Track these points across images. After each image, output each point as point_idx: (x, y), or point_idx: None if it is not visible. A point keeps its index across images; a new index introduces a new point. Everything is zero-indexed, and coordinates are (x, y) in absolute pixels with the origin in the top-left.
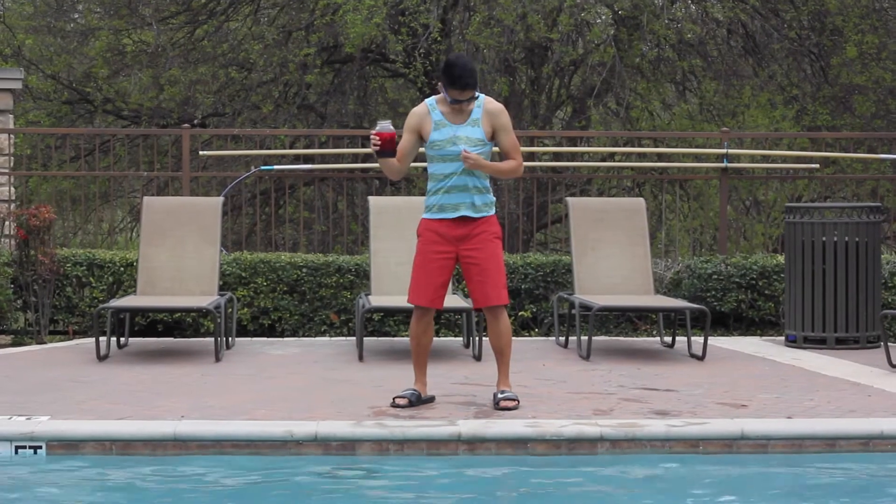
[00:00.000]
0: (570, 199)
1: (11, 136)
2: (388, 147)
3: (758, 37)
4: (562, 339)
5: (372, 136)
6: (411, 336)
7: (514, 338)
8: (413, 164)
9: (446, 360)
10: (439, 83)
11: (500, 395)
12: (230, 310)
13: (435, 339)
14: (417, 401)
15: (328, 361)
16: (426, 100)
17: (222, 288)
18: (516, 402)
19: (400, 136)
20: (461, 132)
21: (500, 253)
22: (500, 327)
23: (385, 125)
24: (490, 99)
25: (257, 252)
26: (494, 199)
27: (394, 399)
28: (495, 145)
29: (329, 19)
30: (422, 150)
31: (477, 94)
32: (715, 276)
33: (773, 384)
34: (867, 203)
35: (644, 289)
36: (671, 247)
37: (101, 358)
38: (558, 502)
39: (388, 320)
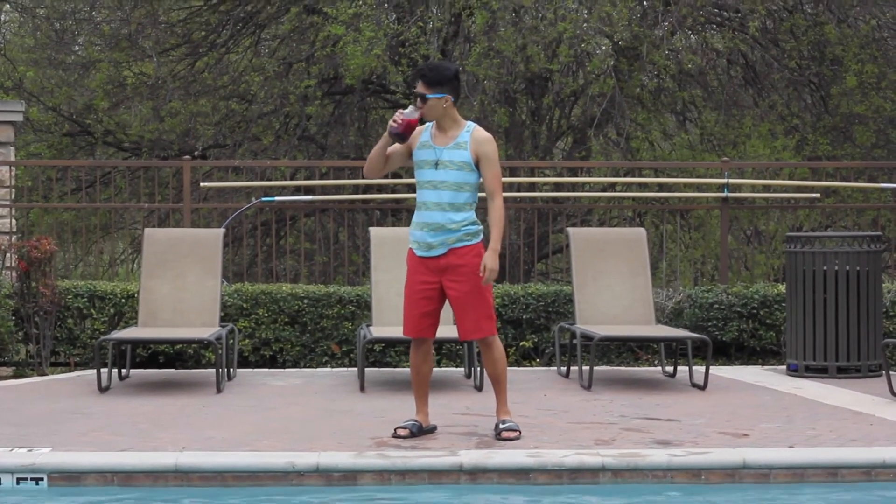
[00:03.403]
0: (570, 230)
1: (13, 168)
2: (405, 130)
3: (758, 67)
4: (563, 368)
5: (396, 115)
6: (411, 366)
7: (515, 368)
8: (414, 195)
9: (448, 390)
10: None
11: (501, 426)
12: (231, 341)
13: (436, 369)
14: (419, 431)
15: (329, 392)
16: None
17: (223, 319)
18: (518, 433)
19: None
20: (444, 156)
21: (486, 288)
22: (493, 355)
23: (412, 112)
24: (480, 128)
25: (258, 283)
26: (479, 227)
27: (395, 430)
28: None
29: (329, 51)
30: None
31: (469, 122)
32: (716, 306)
33: (774, 413)
34: (868, 232)
35: (645, 318)
36: (672, 276)
37: (103, 389)
38: None
39: (390, 351)
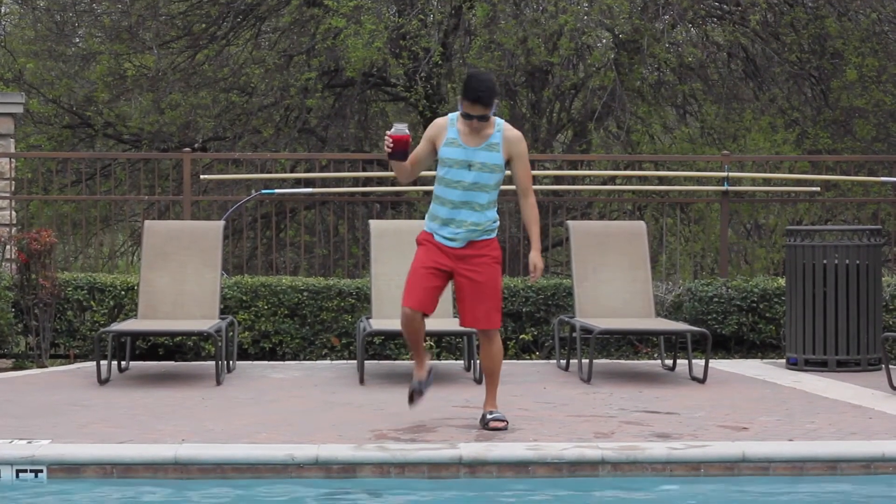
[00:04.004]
0: (570, 223)
1: (13, 160)
2: (399, 149)
3: (758, 60)
4: (563, 362)
5: (385, 138)
6: (404, 325)
7: (515, 361)
8: (415, 188)
9: (447, 383)
10: (459, 98)
11: (489, 416)
12: (231, 333)
13: (436, 362)
14: (426, 386)
15: (329, 385)
16: (451, 113)
17: (223, 311)
18: (505, 423)
19: (416, 141)
20: (477, 157)
21: (499, 277)
22: (493, 350)
23: (400, 128)
24: (509, 126)
25: (258, 276)
26: (498, 223)
27: (411, 395)
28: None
29: (330, 43)
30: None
31: (497, 118)
32: (716, 299)
33: (774, 407)
34: (868, 226)
35: (645, 312)
36: (672, 270)
37: (102, 382)
38: None
39: (389, 343)
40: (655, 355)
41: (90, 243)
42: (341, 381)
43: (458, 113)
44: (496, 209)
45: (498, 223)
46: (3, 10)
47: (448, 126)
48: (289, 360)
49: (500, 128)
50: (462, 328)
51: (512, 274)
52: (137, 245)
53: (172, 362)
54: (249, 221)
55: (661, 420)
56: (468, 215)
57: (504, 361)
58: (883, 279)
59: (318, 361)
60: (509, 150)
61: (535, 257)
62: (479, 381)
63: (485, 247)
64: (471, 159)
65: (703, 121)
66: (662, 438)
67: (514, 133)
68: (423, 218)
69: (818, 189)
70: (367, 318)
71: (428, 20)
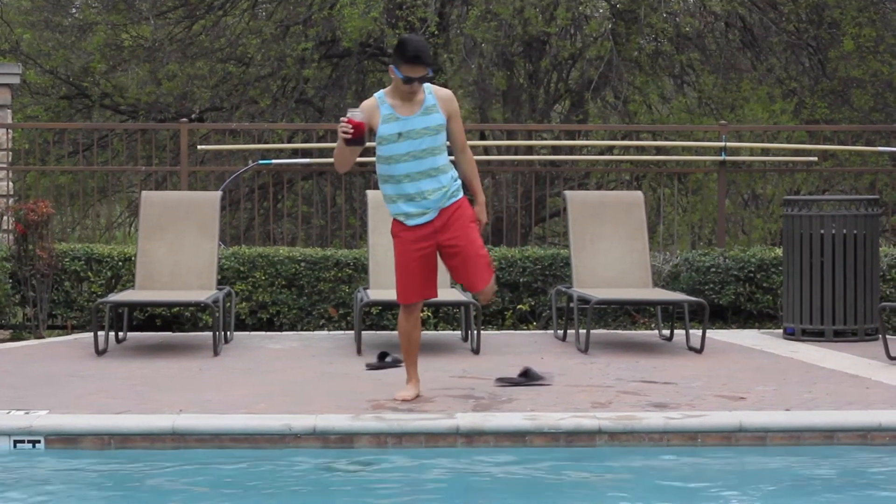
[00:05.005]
0: (568, 193)
1: (10, 130)
2: (359, 135)
3: (756, 30)
4: (560, 332)
5: (343, 123)
6: (401, 334)
7: (512, 331)
8: None
9: (444, 353)
10: (391, 68)
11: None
12: (228, 304)
13: (433, 332)
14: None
15: (326, 355)
16: (376, 93)
17: (220, 282)
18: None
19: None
20: (418, 124)
21: (478, 235)
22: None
23: (356, 113)
24: (437, 86)
25: (256, 246)
26: (460, 181)
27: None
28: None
29: (327, 13)
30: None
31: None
32: (713, 269)
33: (771, 377)
34: (865, 196)
35: (642, 282)
36: (670, 240)
37: (100, 352)
38: (556, 494)
39: (387, 314)
40: (653, 325)
41: (87, 214)
42: (339, 351)
43: (384, 91)
44: (453, 168)
45: (460, 181)
46: None
47: (379, 105)
48: (286, 330)
49: (430, 90)
50: (459, 299)
51: (510, 244)
52: (135, 216)
53: (170, 333)
54: (246, 192)
55: (658, 390)
56: (429, 183)
57: (501, 332)
58: (880, 249)
59: (315, 332)
60: (447, 108)
61: (481, 212)
62: (476, 352)
63: (456, 209)
64: (413, 128)
65: (700, 91)
66: (660, 408)
67: (446, 91)
68: None
69: (815, 159)
70: (365, 289)
71: None
